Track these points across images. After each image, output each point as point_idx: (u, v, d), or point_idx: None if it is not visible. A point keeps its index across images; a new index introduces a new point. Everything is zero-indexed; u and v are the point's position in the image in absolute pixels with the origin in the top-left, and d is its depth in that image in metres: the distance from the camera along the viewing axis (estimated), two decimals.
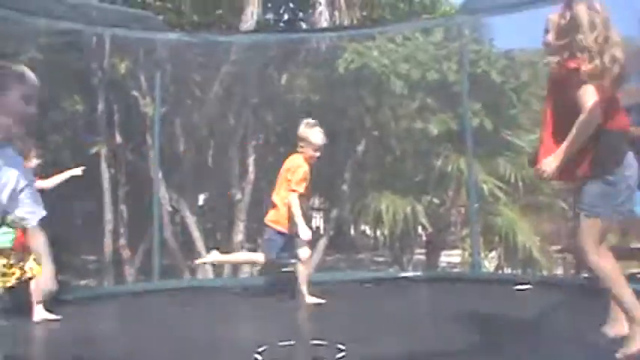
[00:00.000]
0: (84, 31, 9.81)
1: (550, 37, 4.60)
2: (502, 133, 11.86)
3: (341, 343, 5.12)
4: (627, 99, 4.80)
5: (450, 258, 13.35)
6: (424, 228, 11.77)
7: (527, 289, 7.52)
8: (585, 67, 4.19)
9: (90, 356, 5.39)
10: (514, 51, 12.55)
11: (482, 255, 8.98)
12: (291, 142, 12.45)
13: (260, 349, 5.09)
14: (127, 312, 7.63)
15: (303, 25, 14.19)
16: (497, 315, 6.14)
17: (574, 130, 4.20)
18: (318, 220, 18.77)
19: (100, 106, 11.56)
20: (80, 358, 5.32)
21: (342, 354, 4.98)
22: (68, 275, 12.58)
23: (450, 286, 8.00)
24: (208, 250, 12.10)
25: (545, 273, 11.78)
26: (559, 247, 12.90)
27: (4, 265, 6.24)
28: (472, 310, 6.39)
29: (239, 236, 12.32)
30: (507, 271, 11.67)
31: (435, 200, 11.74)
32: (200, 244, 12.01)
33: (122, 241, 12.13)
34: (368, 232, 13.18)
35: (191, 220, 12.10)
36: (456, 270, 12.97)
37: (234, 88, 11.90)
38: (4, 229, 5.71)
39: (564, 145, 4.25)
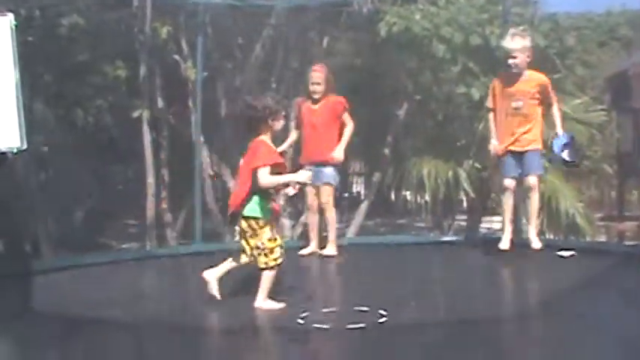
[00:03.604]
0: None
1: None
2: None
3: (382, 309, 5.11)
4: None
5: (491, 224, 13.22)
6: (466, 193, 11.66)
7: (570, 255, 7.42)
8: None
9: (137, 312, 5.48)
10: (558, 15, 12.34)
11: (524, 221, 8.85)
12: None
13: (303, 315, 5.10)
14: (169, 273, 7.74)
15: None
16: (541, 280, 6.08)
17: None
18: (359, 185, 18.78)
19: (142, 71, 11.56)
20: (130, 314, 5.41)
21: (384, 319, 4.98)
22: (111, 238, 12.73)
23: (492, 251, 7.87)
24: None
25: (588, 240, 11.65)
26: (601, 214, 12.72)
27: (269, 240, 5.44)
28: (516, 274, 6.34)
29: (279, 200, 12.32)
30: (549, 237, 11.52)
31: (477, 165, 11.61)
32: None
33: (164, 205, 12.18)
34: (409, 197, 13.05)
35: (232, 184, 12.12)
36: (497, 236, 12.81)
37: (275, 52, 11.84)
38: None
39: None
